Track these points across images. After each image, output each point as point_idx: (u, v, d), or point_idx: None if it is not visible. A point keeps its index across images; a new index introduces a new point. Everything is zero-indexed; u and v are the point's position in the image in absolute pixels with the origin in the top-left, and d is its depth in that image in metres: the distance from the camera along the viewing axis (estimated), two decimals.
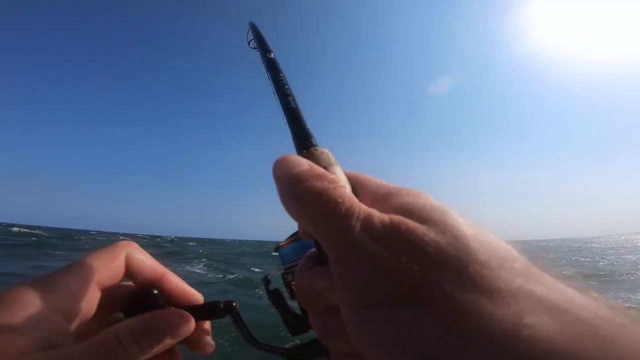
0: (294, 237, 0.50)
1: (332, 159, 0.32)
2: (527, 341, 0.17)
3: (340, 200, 0.23)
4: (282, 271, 0.51)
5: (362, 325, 0.21)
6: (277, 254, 0.53)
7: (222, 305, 0.40)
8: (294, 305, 0.51)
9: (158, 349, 0.31)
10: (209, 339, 0.38)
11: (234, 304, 0.41)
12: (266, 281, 0.53)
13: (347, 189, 0.25)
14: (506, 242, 0.22)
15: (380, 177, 0.33)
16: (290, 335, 0.50)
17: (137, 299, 0.37)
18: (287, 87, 0.45)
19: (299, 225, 0.31)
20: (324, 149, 0.33)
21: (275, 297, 0.51)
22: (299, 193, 0.25)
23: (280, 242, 0.51)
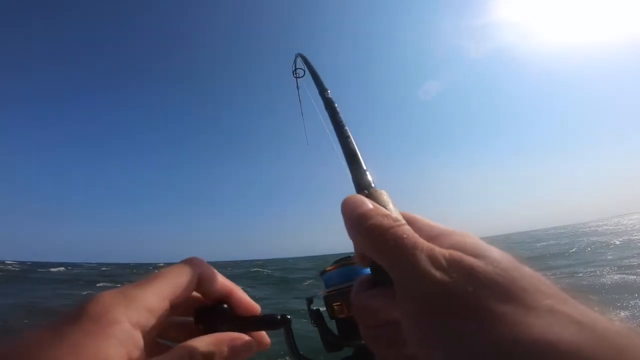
0: (339, 263, 0.57)
1: (389, 199, 0.40)
2: (556, 345, 0.23)
3: (405, 236, 0.31)
4: (325, 293, 0.58)
5: (423, 332, 0.28)
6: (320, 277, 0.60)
7: (279, 318, 0.46)
8: (331, 324, 0.57)
9: None
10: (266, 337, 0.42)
11: (288, 317, 0.48)
12: (309, 301, 0.60)
13: (408, 227, 0.33)
14: (537, 270, 0.29)
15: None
16: (326, 351, 0.57)
17: (212, 312, 0.43)
18: (345, 128, 0.53)
19: (355, 254, 0.39)
20: (382, 190, 0.41)
21: (316, 316, 0.57)
22: (368, 228, 0.33)
23: (325, 268, 0.58)
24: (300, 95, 1.36)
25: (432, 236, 0.33)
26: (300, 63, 1.17)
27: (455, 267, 0.28)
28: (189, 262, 0.38)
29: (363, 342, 0.52)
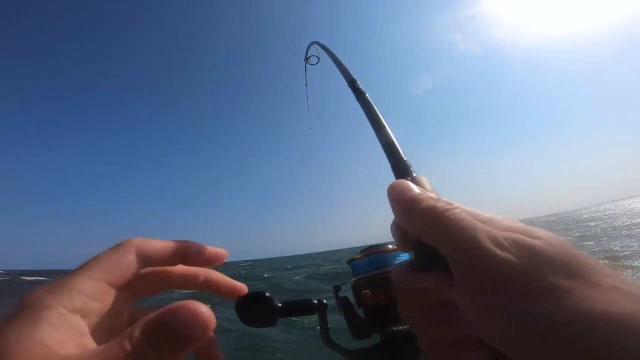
0: (367, 252, 0.58)
1: (431, 186, 0.41)
2: (624, 318, 0.24)
3: (462, 217, 0.32)
4: (353, 281, 0.59)
5: (489, 308, 0.29)
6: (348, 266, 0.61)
7: (316, 302, 0.47)
8: (359, 312, 0.58)
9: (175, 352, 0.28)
10: (219, 352, 0.39)
11: (325, 301, 0.48)
12: (337, 289, 0.60)
13: (463, 209, 0.34)
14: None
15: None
16: (354, 338, 0.57)
17: (251, 298, 0.43)
18: (380, 118, 0.54)
19: (398, 240, 0.40)
20: (423, 177, 0.42)
21: (344, 304, 0.58)
22: (423, 211, 0.34)
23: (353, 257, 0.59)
24: (311, 81, 1.36)
25: (483, 220, 0.34)
26: (314, 51, 1.19)
27: (517, 247, 0.29)
28: (120, 243, 0.37)
29: (398, 327, 0.53)
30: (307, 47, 1.22)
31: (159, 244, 0.38)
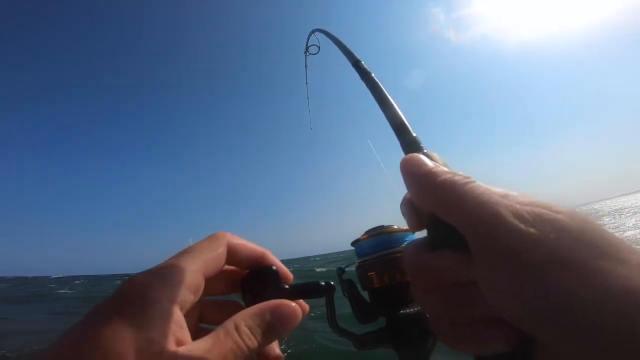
0: (372, 232, 0.55)
1: (443, 161, 0.38)
2: None
3: (482, 191, 0.29)
4: (358, 263, 0.56)
5: (514, 285, 0.27)
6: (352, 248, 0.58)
7: (323, 285, 0.45)
8: (364, 295, 0.56)
9: (271, 340, 0.33)
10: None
11: (332, 283, 0.46)
12: (341, 271, 0.58)
13: (481, 183, 0.31)
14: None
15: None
16: (359, 322, 0.55)
17: (258, 278, 0.41)
18: (388, 97, 0.51)
19: (410, 217, 0.37)
20: (435, 153, 0.39)
21: (348, 286, 0.56)
22: (440, 184, 0.31)
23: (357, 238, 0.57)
24: (310, 75, 1.33)
25: (501, 195, 0.31)
26: (315, 40, 1.15)
27: (540, 221, 0.27)
28: (215, 235, 0.37)
29: (405, 310, 0.51)
30: (307, 36, 1.20)
31: (245, 245, 0.39)
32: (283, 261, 0.43)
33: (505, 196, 0.31)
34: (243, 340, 0.31)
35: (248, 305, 0.41)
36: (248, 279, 0.41)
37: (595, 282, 0.24)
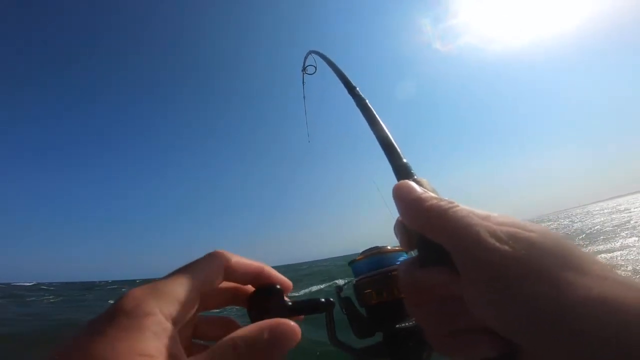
0: (368, 253, 0.60)
1: (432, 186, 0.43)
2: (614, 301, 0.27)
3: (464, 214, 0.34)
4: (355, 282, 0.61)
5: (493, 297, 0.31)
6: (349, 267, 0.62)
7: (323, 301, 0.49)
8: (362, 311, 0.60)
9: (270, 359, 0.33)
10: None
11: (332, 300, 0.50)
12: (339, 290, 0.62)
13: (464, 207, 0.37)
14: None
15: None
16: (357, 337, 0.59)
17: (264, 295, 0.44)
18: (381, 124, 0.56)
19: (402, 238, 0.42)
20: (424, 178, 0.44)
21: (346, 304, 0.60)
22: (427, 209, 0.36)
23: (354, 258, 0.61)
24: (306, 92, 1.38)
25: (481, 217, 0.36)
26: (312, 60, 1.20)
27: (514, 240, 0.32)
28: (212, 254, 0.38)
29: (400, 325, 0.55)
30: (304, 56, 1.24)
31: (241, 261, 0.40)
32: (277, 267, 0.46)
33: (485, 218, 0.36)
34: (240, 359, 0.31)
35: (253, 321, 0.44)
36: (254, 297, 0.44)
37: (563, 292, 0.28)
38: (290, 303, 0.44)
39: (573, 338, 0.27)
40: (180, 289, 0.32)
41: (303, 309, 0.46)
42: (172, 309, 0.31)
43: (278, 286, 0.44)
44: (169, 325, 0.30)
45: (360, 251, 0.61)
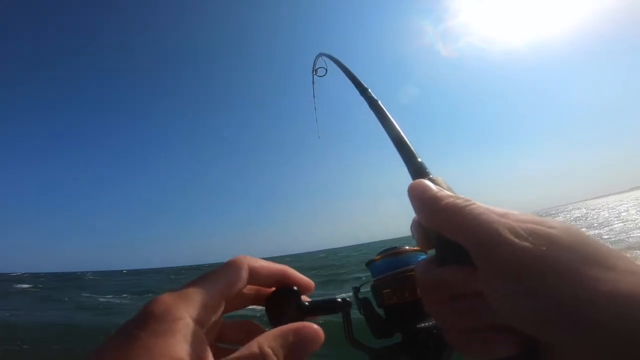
0: (385, 253, 0.60)
1: (448, 185, 0.43)
2: (637, 295, 0.27)
3: (481, 211, 0.34)
4: (373, 282, 0.61)
5: (509, 291, 0.31)
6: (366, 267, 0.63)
7: (340, 301, 0.49)
8: (379, 312, 0.60)
9: None
10: None
11: (348, 299, 0.50)
12: (356, 290, 0.62)
13: (481, 204, 0.37)
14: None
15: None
16: (375, 338, 0.59)
17: (282, 297, 0.45)
18: (395, 125, 0.56)
19: (419, 238, 0.43)
20: (440, 177, 0.44)
21: (364, 305, 0.60)
22: (444, 207, 0.36)
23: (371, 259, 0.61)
24: (319, 92, 1.41)
25: (500, 214, 0.36)
26: (322, 62, 1.22)
27: (534, 236, 0.32)
28: (234, 260, 0.39)
29: (420, 325, 0.54)
30: (314, 58, 1.26)
31: (265, 265, 0.41)
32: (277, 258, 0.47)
33: (504, 215, 0.35)
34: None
35: (271, 320, 0.45)
36: (272, 298, 0.45)
37: (586, 287, 0.28)
38: (307, 303, 0.45)
39: (596, 332, 0.27)
40: (206, 294, 0.34)
41: (320, 309, 0.46)
42: (200, 313, 0.32)
43: (295, 287, 0.45)
44: (197, 329, 0.31)
45: (374, 242, 0.62)
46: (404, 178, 0.49)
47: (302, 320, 0.48)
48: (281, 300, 0.44)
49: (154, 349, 0.28)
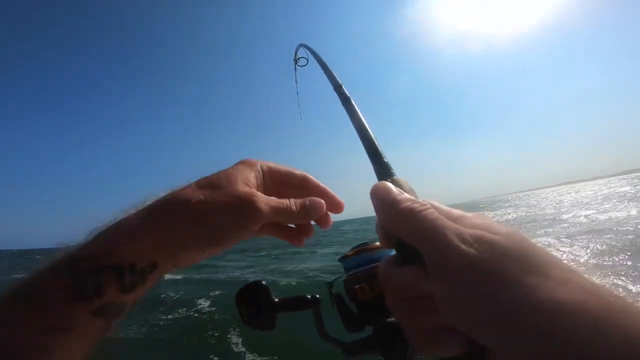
0: (357, 249, 0.61)
1: (410, 186, 0.44)
2: (571, 305, 0.28)
3: (434, 217, 0.35)
4: (344, 278, 0.62)
5: (457, 297, 0.33)
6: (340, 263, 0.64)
7: (309, 298, 0.50)
8: (352, 306, 0.61)
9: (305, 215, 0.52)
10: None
11: (318, 296, 0.51)
12: (330, 286, 0.63)
13: (435, 210, 0.38)
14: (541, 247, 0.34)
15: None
16: (347, 331, 0.61)
17: (253, 293, 0.46)
18: (365, 123, 0.57)
19: (381, 237, 0.44)
20: (403, 179, 0.45)
21: (337, 299, 0.61)
22: (401, 212, 0.37)
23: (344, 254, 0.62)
24: (298, 79, 1.42)
25: (454, 219, 0.37)
26: (303, 53, 1.23)
27: (479, 242, 0.33)
28: (246, 159, 0.53)
29: (389, 319, 0.56)
30: (295, 48, 1.27)
31: (282, 167, 0.55)
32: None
33: (457, 219, 0.37)
34: (290, 204, 0.50)
35: (243, 317, 0.46)
36: (242, 294, 0.45)
37: (521, 294, 0.30)
38: (276, 300, 0.46)
39: (529, 336, 0.28)
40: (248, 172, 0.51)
41: (290, 305, 0.47)
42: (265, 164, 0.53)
43: (264, 282, 0.46)
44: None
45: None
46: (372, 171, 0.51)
47: (274, 317, 0.50)
48: (253, 297, 0.45)
49: (234, 170, 0.49)
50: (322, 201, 0.53)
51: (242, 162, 0.50)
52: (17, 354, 0.32)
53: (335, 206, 0.57)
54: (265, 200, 0.47)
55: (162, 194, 0.44)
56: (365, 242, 0.61)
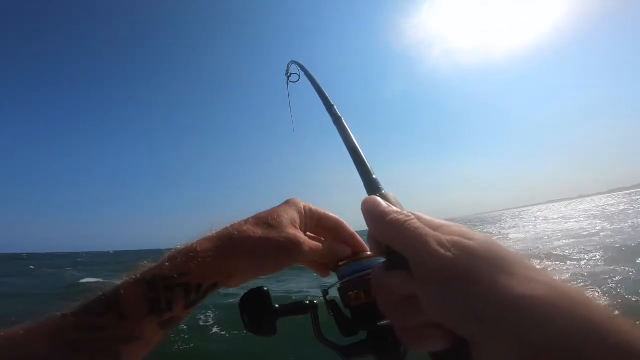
0: (350, 259, 0.66)
1: (396, 199, 0.50)
2: (532, 298, 0.33)
3: (417, 227, 0.40)
4: (339, 285, 0.66)
5: (437, 296, 0.38)
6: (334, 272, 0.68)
7: (307, 303, 0.54)
8: (346, 312, 0.65)
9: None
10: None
11: (315, 302, 0.56)
12: (325, 293, 0.68)
13: (417, 220, 0.43)
14: (513, 249, 0.40)
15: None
16: (343, 336, 0.65)
17: (256, 299, 0.50)
18: (354, 142, 0.62)
19: (372, 247, 0.49)
20: (391, 193, 0.51)
21: (332, 305, 0.65)
22: (388, 223, 0.42)
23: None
24: (291, 98, 1.45)
25: (435, 227, 0.42)
26: (295, 69, 1.27)
27: (456, 247, 0.39)
28: (291, 200, 0.63)
29: (380, 323, 0.60)
30: (287, 65, 1.31)
31: (320, 210, 0.63)
32: None
33: (438, 227, 0.43)
34: (324, 248, 0.61)
35: (245, 324, 0.50)
36: (246, 300, 0.49)
37: (493, 292, 0.35)
38: (277, 306, 0.50)
39: (501, 328, 0.33)
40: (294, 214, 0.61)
41: (290, 310, 0.51)
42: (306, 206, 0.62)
43: (265, 288, 0.51)
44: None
45: None
46: (362, 185, 0.57)
47: (275, 322, 0.54)
48: (256, 301, 0.49)
49: (281, 210, 0.58)
50: (349, 248, 0.64)
51: (289, 203, 0.61)
52: (96, 357, 0.39)
53: (360, 248, 0.65)
54: (308, 244, 0.57)
55: (227, 225, 0.55)
56: (359, 252, 0.66)
